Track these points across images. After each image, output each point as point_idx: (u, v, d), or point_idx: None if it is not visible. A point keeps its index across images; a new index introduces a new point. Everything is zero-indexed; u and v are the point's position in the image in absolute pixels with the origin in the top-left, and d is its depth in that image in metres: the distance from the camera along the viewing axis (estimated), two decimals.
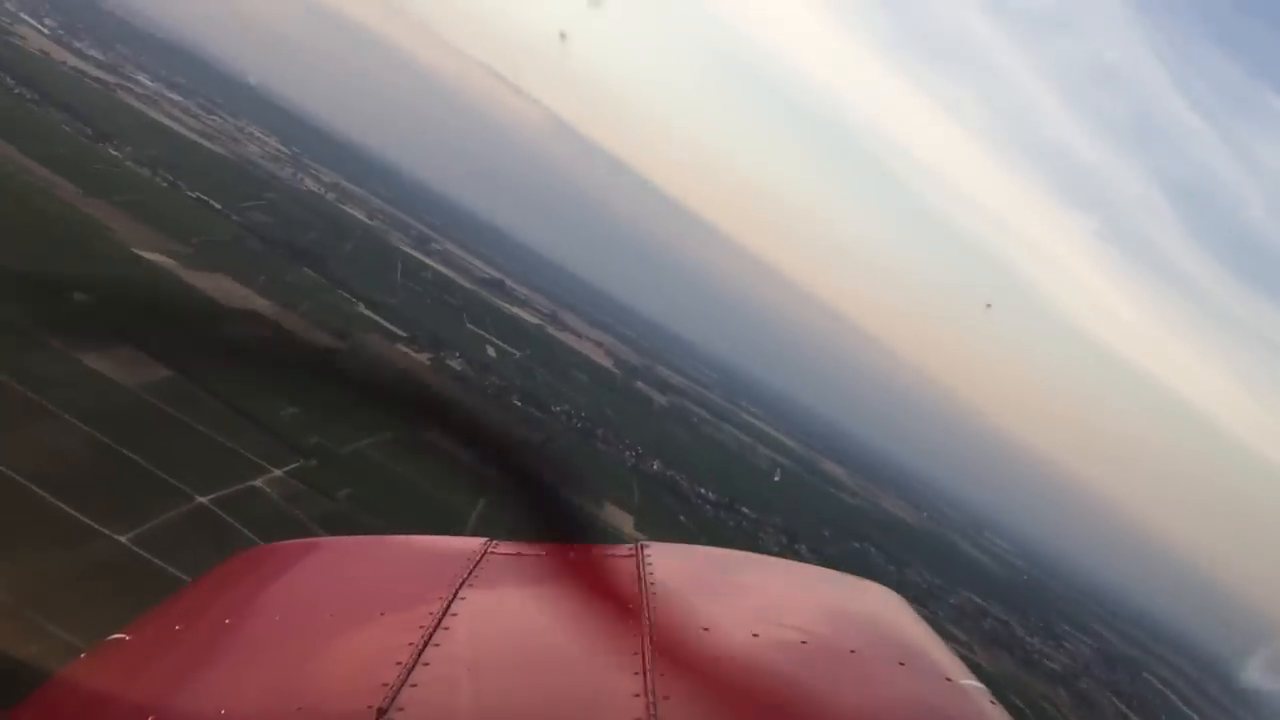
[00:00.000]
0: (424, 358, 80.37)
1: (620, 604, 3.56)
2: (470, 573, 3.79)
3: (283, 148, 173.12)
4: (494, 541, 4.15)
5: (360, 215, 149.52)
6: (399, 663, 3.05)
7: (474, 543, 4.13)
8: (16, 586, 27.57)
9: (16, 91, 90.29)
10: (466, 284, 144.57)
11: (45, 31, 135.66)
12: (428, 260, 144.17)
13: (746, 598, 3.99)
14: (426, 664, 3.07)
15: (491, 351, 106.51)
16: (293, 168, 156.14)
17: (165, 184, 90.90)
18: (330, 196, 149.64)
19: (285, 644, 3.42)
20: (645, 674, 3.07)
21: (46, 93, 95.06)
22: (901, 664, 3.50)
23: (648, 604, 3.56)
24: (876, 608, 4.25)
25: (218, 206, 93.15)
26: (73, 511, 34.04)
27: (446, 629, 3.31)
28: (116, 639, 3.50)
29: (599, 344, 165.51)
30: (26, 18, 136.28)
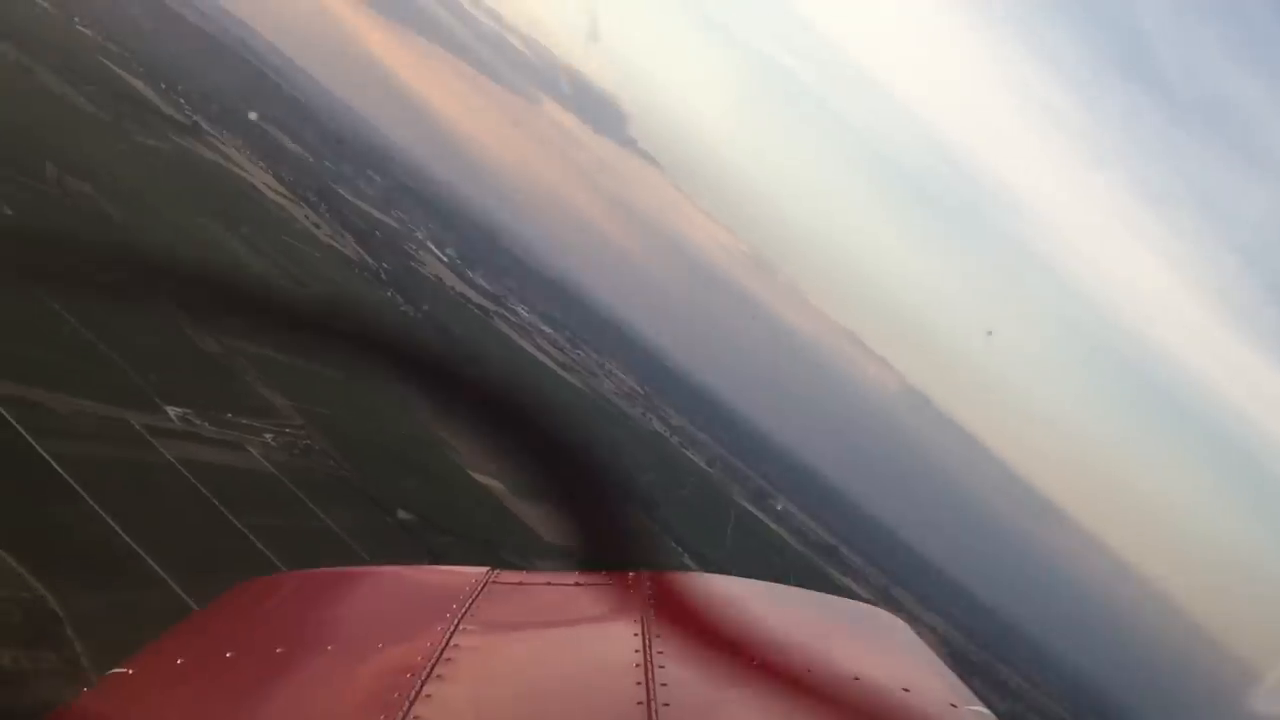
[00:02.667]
0: None
1: (623, 633, 3.55)
2: (472, 603, 3.75)
3: (638, 386, 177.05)
4: (496, 570, 4.11)
5: (700, 461, 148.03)
6: (400, 695, 3.04)
7: (476, 572, 4.10)
8: None
9: (403, 309, 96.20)
10: (799, 546, 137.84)
11: (444, 259, 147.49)
12: (762, 516, 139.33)
13: (750, 624, 3.97)
14: (428, 696, 3.06)
15: None
16: (643, 407, 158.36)
17: None
18: (674, 440, 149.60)
19: (287, 677, 3.43)
20: (649, 703, 3.10)
21: (429, 313, 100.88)
22: (906, 690, 3.52)
23: (649, 631, 3.54)
24: (882, 634, 4.27)
25: None
26: None
27: (448, 660, 3.29)
28: (119, 673, 3.47)
29: (933, 629, 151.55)
30: (431, 245, 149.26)
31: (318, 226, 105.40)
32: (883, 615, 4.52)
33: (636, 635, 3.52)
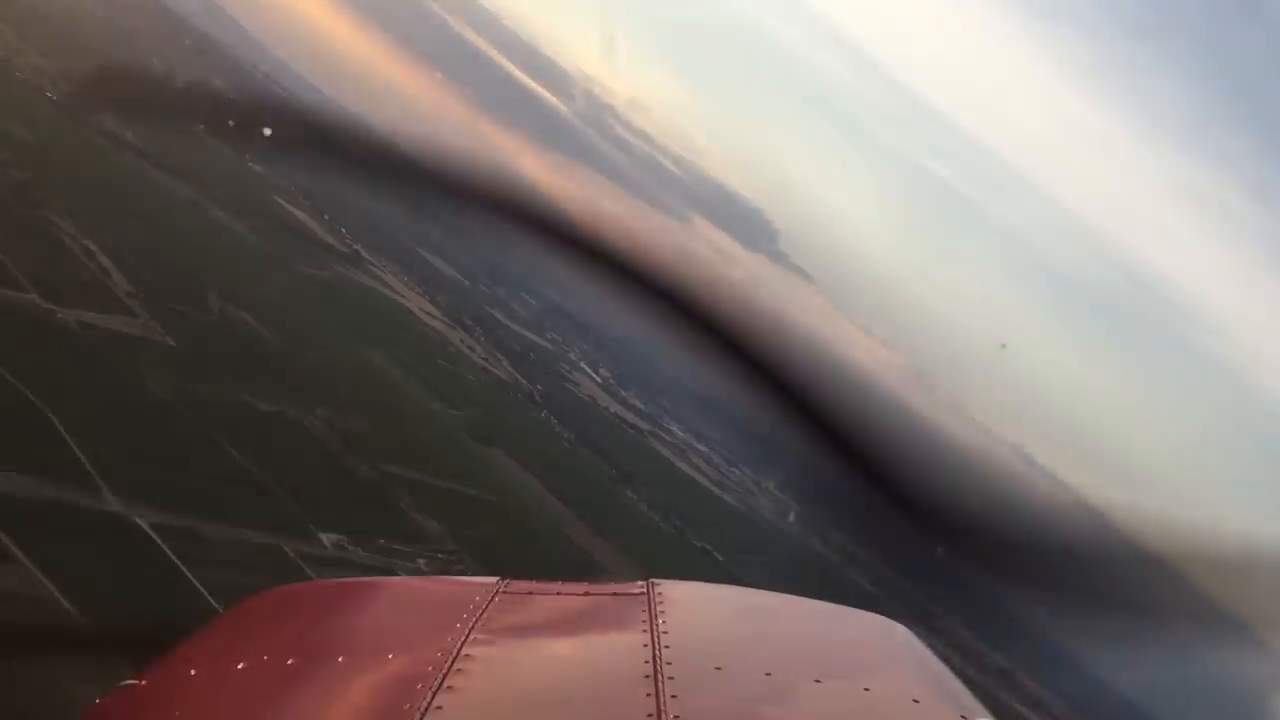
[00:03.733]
0: None
1: (632, 642, 3.55)
2: (483, 613, 3.74)
3: (795, 504, 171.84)
4: (506, 580, 4.11)
5: (864, 582, 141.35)
6: (412, 706, 3.07)
7: (486, 582, 4.11)
8: None
9: (556, 431, 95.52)
10: (973, 673, 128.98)
11: (598, 380, 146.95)
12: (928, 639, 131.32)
13: (759, 635, 4.00)
14: (439, 707, 3.08)
15: None
16: (802, 525, 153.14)
17: (673, 530, 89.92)
18: (837, 560, 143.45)
19: (299, 688, 3.42)
20: (660, 714, 3.11)
21: (583, 434, 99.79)
22: (916, 701, 3.51)
23: (659, 641, 3.54)
24: (891, 644, 4.27)
25: (719, 558, 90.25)
26: None
27: (460, 670, 3.29)
28: (131, 684, 3.52)
29: None
30: (585, 366, 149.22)
31: (472, 350, 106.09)
32: (892, 626, 4.39)
33: (646, 646, 3.48)
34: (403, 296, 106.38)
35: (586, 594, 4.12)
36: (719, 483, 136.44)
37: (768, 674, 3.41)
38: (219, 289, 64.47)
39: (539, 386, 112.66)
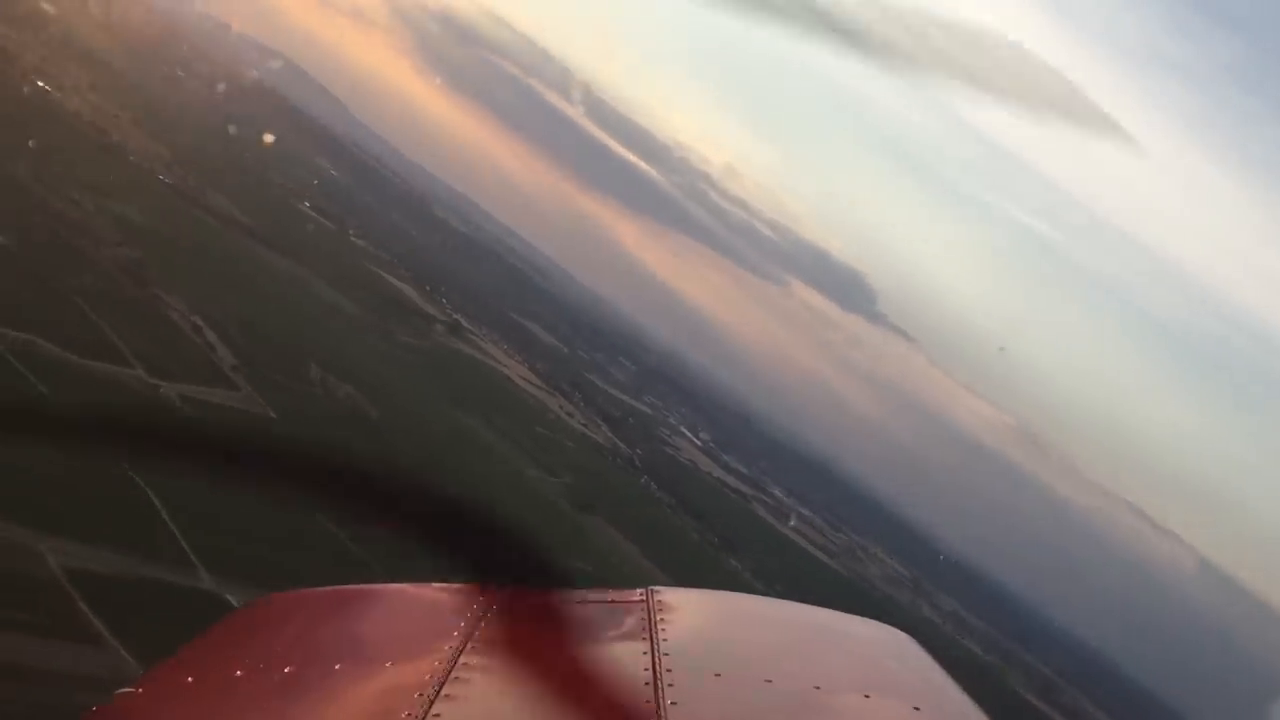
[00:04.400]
0: None
1: (631, 650, 3.56)
2: (480, 620, 3.76)
3: (903, 570, 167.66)
4: (504, 587, 4.11)
5: (977, 649, 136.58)
6: (409, 714, 3.06)
7: (484, 589, 4.09)
8: None
9: (657, 496, 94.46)
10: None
11: (698, 444, 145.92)
12: (1054, 716, 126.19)
13: (759, 642, 4.00)
14: (437, 715, 3.07)
15: None
16: (911, 592, 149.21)
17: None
18: (946, 627, 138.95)
19: (296, 696, 3.44)
20: None
21: (684, 499, 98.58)
22: (917, 709, 3.51)
23: (658, 649, 3.53)
24: (890, 651, 4.25)
25: None
26: None
27: (456, 678, 3.29)
28: (128, 692, 3.51)
29: None
30: (685, 431, 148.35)
31: (571, 415, 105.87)
32: (893, 633, 4.38)
33: (646, 654, 3.50)
34: (502, 364, 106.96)
35: (585, 602, 4.07)
36: (824, 548, 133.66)
37: (768, 681, 3.41)
38: (321, 360, 65.30)
39: (638, 451, 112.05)
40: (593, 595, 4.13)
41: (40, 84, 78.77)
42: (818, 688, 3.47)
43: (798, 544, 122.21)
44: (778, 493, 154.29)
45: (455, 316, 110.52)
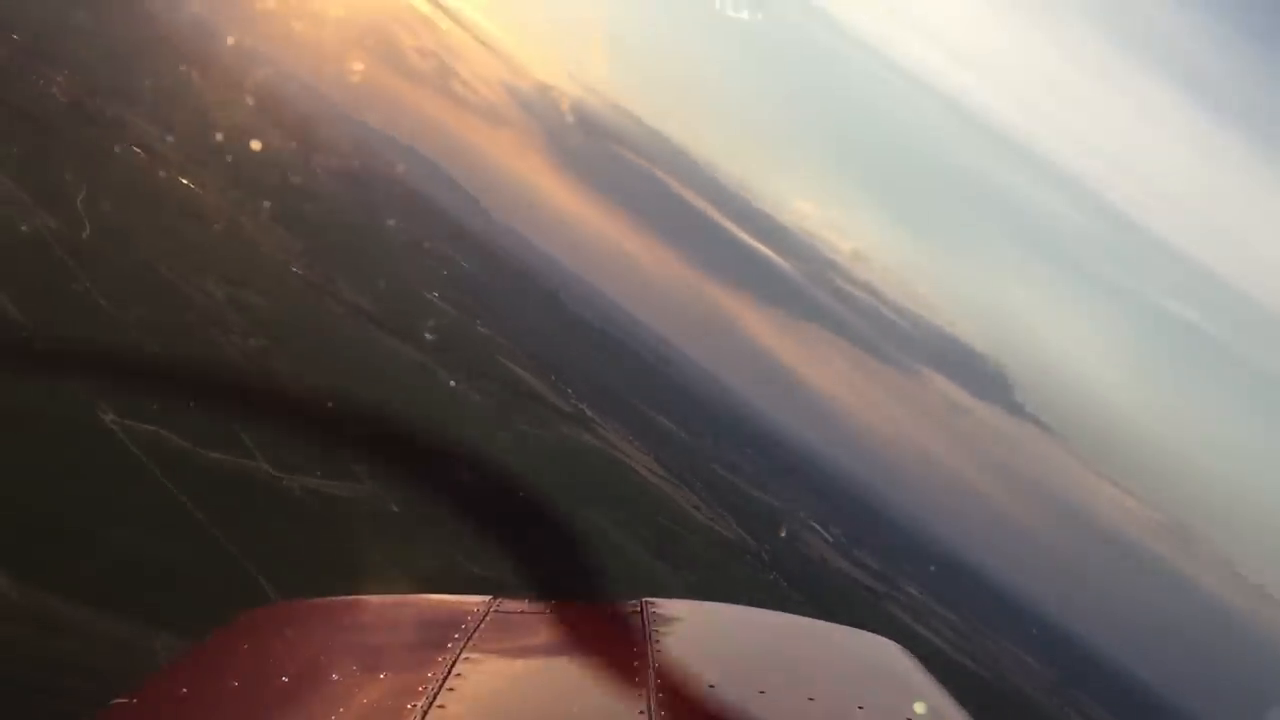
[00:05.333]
0: None
1: (625, 661, 3.54)
2: (474, 631, 3.77)
3: (1046, 670, 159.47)
4: (498, 599, 4.12)
5: None
6: None
7: (478, 600, 4.11)
8: None
9: (785, 593, 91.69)
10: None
11: (828, 538, 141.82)
12: None
13: (753, 653, 4.00)
14: None
15: None
16: (1059, 699, 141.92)
17: None
18: None
19: (292, 706, 3.44)
20: None
21: (814, 596, 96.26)
22: (909, 719, 3.54)
23: (653, 661, 3.53)
24: (883, 662, 4.24)
25: None
26: None
27: (451, 689, 3.28)
28: (122, 703, 3.44)
29: None
30: (815, 524, 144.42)
31: (697, 509, 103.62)
32: (884, 643, 4.41)
33: (639, 665, 3.49)
34: (626, 454, 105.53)
35: (580, 613, 4.07)
36: (965, 651, 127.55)
37: (761, 692, 3.40)
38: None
39: (766, 546, 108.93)
40: (588, 606, 4.14)
41: (183, 180, 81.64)
42: (811, 699, 3.41)
43: (935, 645, 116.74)
44: (913, 590, 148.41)
45: (580, 406, 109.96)
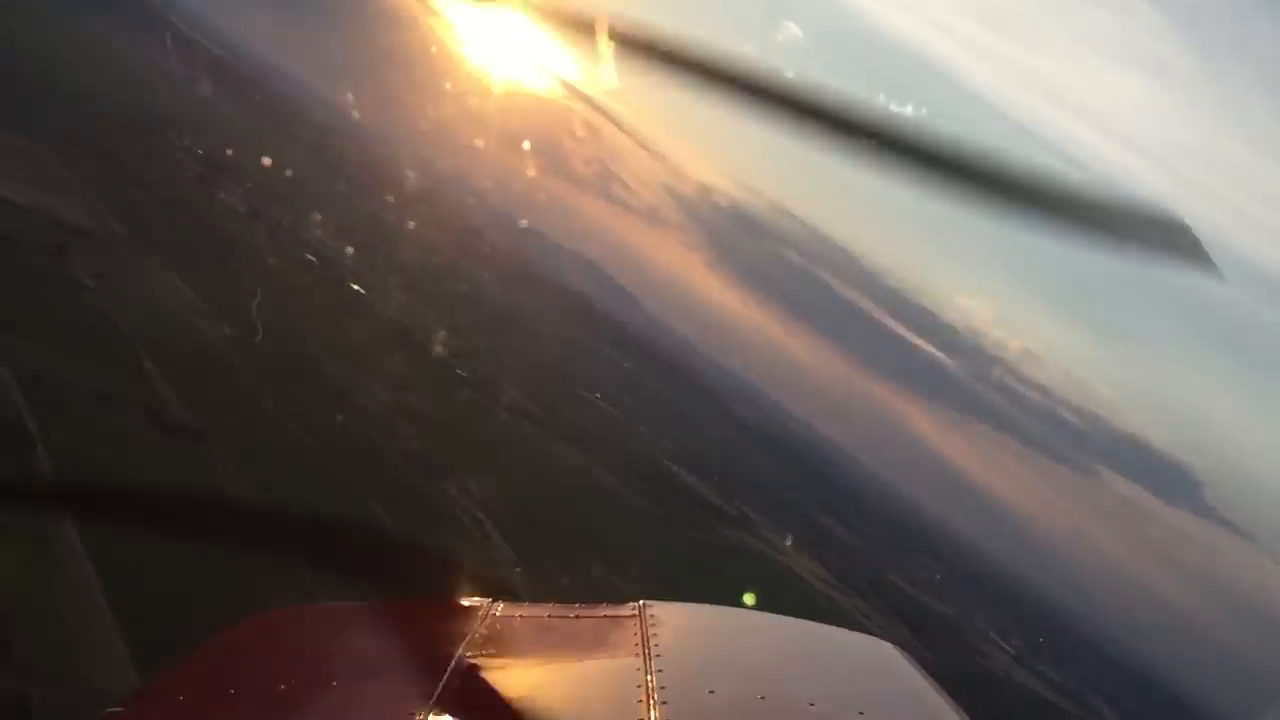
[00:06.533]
0: None
1: (623, 665, 3.53)
2: (472, 635, 3.74)
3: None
4: (495, 602, 4.07)
5: None
6: None
7: (476, 604, 4.07)
8: None
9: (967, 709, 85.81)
10: None
11: (1010, 651, 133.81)
12: None
13: (752, 657, 3.97)
14: None
15: None
16: None
17: None
18: None
19: (291, 713, 3.41)
20: None
21: (995, 712, 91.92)
22: None
23: (651, 665, 3.49)
24: (883, 666, 4.21)
25: None
26: None
27: (451, 693, 3.27)
28: (114, 711, 3.36)
29: None
30: (994, 636, 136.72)
31: (869, 618, 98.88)
32: (882, 646, 4.40)
33: (639, 669, 3.47)
34: (791, 560, 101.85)
35: (578, 616, 4.04)
36: None
37: (762, 698, 3.38)
38: (602, 557, 63.03)
39: (941, 658, 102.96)
40: (585, 610, 4.05)
41: (354, 286, 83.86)
42: (812, 704, 3.40)
43: None
44: (1107, 711, 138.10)
45: (744, 509, 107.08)
